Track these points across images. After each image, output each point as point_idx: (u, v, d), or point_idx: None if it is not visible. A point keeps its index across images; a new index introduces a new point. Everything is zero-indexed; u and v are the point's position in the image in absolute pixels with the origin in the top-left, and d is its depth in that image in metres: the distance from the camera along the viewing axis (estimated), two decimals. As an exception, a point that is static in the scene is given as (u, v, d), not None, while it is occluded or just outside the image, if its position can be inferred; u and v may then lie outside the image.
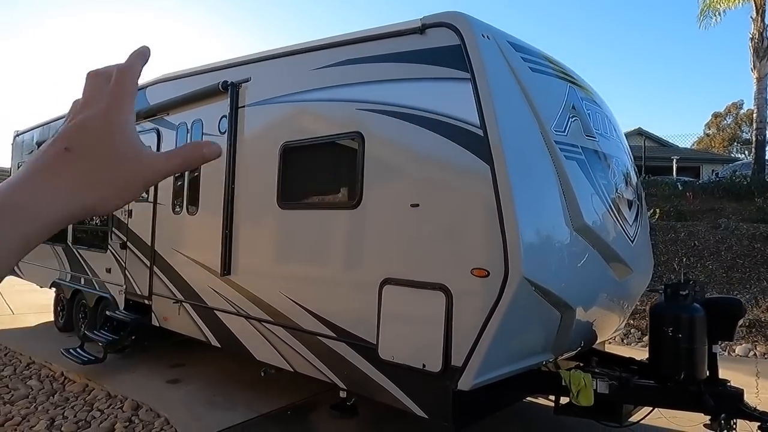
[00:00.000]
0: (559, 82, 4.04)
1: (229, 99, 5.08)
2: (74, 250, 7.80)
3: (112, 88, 0.49)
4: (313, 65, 4.41)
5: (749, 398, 3.86)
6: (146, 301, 6.10)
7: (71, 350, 6.32)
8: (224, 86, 5.13)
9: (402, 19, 3.77)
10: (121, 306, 6.49)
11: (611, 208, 4.03)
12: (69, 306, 7.94)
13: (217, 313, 5.13)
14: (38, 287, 9.07)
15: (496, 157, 3.17)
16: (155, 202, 6.11)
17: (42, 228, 0.47)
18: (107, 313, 6.61)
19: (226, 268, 4.97)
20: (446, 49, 3.50)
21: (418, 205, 3.54)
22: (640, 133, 26.84)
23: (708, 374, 3.82)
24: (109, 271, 6.85)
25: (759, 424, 3.60)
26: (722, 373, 3.93)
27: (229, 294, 4.97)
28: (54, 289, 8.47)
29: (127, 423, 4.79)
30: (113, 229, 6.81)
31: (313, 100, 4.42)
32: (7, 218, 0.45)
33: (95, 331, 6.54)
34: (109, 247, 6.87)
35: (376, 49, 3.98)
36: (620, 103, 71.32)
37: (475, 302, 3.25)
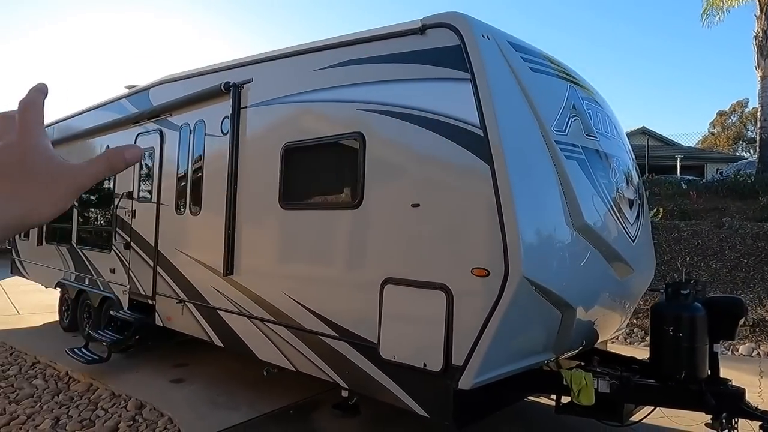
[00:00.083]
0: (559, 82, 4.04)
1: (231, 100, 5.11)
2: (79, 250, 7.85)
3: (19, 122, 0.57)
4: (314, 66, 4.43)
5: (752, 397, 3.86)
6: (150, 301, 6.13)
7: (76, 350, 6.36)
8: (227, 87, 5.16)
9: (408, 20, 3.79)
10: (125, 306, 6.53)
11: (612, 207, 4.03)
12: (74, 306, 8.00)
13: (219, 312, 5.16)
14: (43, 287, 9.15)
15: (496, 157, 3.18)
16: (158, 203, 6.14)
17: None
18: (111, 313, 6.65)
19: (229, 268, 5.00)
20: (446, 49, 3.52)
21: (418, 205, 3.56)
22: (643, 132, 26.75)
23: (709, 373, 3.82)
24: (113, 271, 6.89)
25: (761, 423, 3.59)
26: (726, 373, 3.93)
27: (232, 294, 5.00)
28: (59, 289, 8.53)
29: (131, 422, 4.83)
30: (117, 229, 6.86)
31: (315, 101, 4.44)
32: None
33: (99, 331, 6.58)
34: (113, 247, 6.91)
35: (376, 50, 4.00)
36: (624, 102, 71.07)
37: (476, 302, 3.26)
